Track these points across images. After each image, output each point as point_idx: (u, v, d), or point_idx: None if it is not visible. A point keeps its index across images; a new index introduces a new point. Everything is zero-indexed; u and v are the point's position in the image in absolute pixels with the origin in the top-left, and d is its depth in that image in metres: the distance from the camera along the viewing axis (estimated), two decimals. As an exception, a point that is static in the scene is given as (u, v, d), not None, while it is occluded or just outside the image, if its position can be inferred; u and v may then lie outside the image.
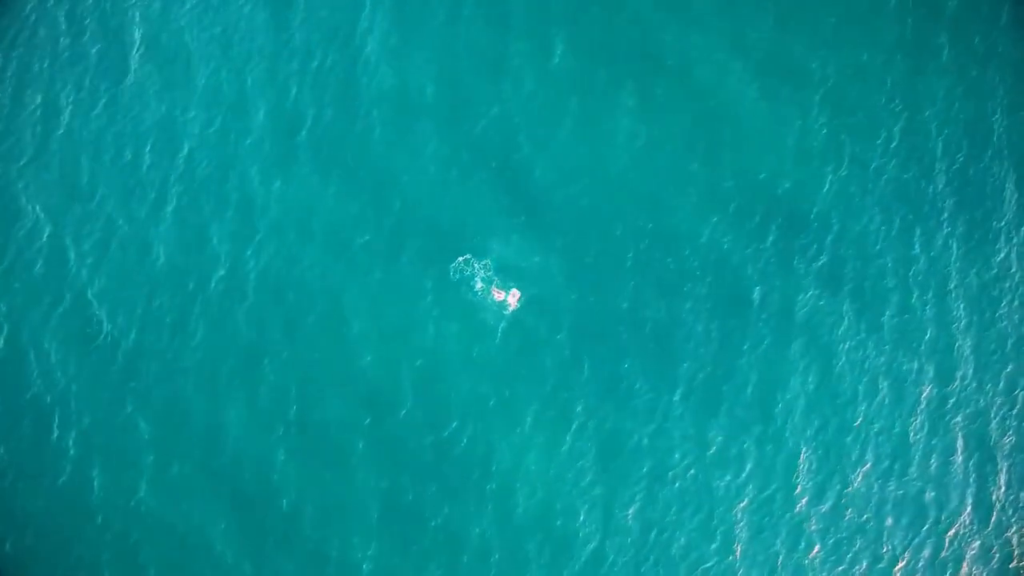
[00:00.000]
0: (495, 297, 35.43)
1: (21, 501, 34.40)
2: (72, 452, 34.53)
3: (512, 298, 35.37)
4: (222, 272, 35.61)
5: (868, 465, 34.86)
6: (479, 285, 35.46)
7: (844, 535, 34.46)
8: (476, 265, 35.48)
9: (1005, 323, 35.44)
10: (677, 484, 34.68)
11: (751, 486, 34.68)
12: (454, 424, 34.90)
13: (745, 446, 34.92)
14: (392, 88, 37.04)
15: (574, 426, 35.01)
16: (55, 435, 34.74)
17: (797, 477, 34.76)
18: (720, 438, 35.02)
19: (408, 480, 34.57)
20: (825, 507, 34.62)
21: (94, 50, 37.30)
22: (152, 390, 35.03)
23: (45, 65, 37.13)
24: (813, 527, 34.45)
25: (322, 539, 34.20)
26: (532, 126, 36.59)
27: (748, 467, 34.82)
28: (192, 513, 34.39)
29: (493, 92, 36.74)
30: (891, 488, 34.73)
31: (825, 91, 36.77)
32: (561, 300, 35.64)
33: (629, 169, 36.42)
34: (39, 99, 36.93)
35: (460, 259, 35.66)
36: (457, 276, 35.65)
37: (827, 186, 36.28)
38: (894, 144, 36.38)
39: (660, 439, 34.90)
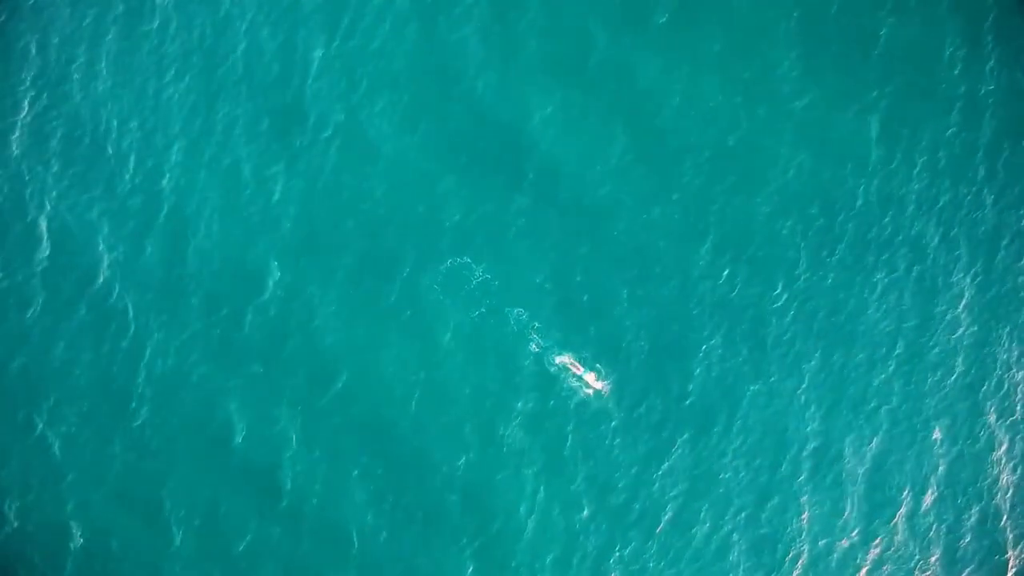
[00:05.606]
0: (571, 368, 30.70)
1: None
2: (80, 542, 30.12)
3: (594, 379, 30.67)
4: (225, 311, 30.96)
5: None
6: (568, 362, 30.73)
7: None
8: (538, 335, 30.71)
9: None
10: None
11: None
12: (515, 506, 30.35)
13: (865, 532, 30.19)
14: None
15: (666, 516, 30.03)
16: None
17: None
18: (848, 523, 30.27)
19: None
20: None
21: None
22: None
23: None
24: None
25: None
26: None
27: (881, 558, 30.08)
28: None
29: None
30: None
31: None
32: (636, 372, 30.75)
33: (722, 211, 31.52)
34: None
35: (520, 313, 30.83)
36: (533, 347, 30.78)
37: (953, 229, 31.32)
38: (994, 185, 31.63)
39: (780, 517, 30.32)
